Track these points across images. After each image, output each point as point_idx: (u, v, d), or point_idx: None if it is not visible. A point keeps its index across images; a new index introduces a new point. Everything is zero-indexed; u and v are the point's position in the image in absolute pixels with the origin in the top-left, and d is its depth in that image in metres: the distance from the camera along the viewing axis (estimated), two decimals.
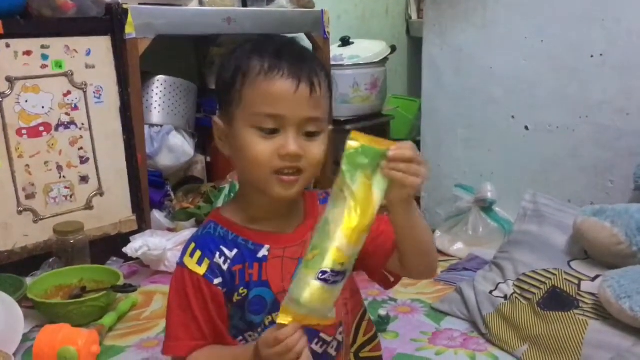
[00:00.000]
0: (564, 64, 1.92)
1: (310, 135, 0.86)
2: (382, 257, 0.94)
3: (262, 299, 0.91)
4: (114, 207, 2.03)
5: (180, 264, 0.90)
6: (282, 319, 0.77)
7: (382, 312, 1.59)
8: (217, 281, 0.88)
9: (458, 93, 2.20)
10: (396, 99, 3.48)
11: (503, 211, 2.08)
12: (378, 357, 1.09)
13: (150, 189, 2.17)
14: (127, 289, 1.66)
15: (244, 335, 0.93)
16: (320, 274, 0.75)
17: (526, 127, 2.04)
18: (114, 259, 1.97)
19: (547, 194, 1.89)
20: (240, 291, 0.89)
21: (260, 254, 0.90)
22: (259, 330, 0.92)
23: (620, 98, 1.82)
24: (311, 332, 0.92)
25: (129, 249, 1.88)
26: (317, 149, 0.87)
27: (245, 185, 0.94)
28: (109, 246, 1.98)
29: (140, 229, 2.06)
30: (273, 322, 0.90)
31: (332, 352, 0.96)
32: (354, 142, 0.76)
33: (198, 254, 0.89)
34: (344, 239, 0.75)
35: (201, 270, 0.88)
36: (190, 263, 0.88)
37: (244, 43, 0.91)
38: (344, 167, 0.76)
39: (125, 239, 1.96)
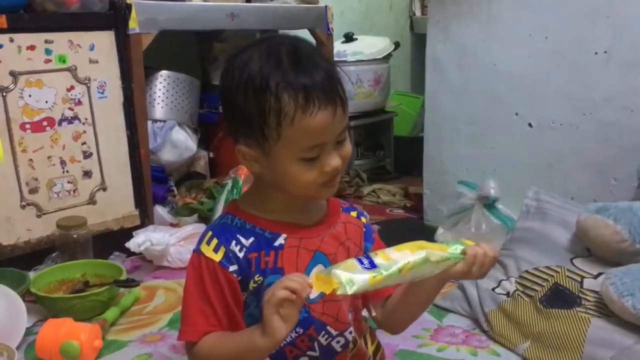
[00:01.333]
0: (568, 61, 1.91)
1: (340, 142, 0.89)
2: (377, 298, 1.01)
3: None
4: (117, 202, 2.03)
5: (197, 251, 0.91)
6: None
7: None
8: (232, 268, 0.89)
9: (461, 90, 2.19)
10: (399, 96, 3.48)
11: (506, 208, 2.06)
12: None
13: (153, 184, 2.17)
14: (130, 283, 1.67)
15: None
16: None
17: (530, 124, 2.03)
18: (117, 253, 1.97)
19: (550, 191, 1.87)
20: (256, 278, 0.90)
21: (276, 242, 0.92)
22: None
23: (625, 95, 1.81)
24: (321, 326, 0.93)
25: (131, 244, 1.89)
26: (347, 147, 0.90)
27: (262, 182, 0.94)
28: (111, 241, 1.98)
29: (142, 224, 2.07)
30: None
31: (337, 347, 0.96)
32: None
33: (214, 241, 0.90)
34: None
35: (217, 257, 0.89)
36: (207, 250, 0.90)
37: (245, 57, 0.86)
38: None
39: (127, 234, 1.97)
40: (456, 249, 0.87)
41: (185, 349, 0.93)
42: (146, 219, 2.09)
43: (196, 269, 0.90)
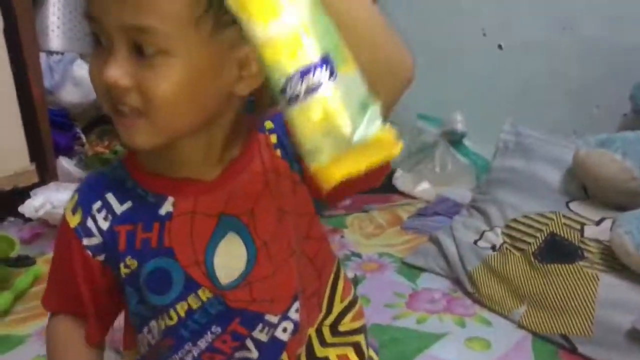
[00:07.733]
0: None
1: (145, 56, 0.59)
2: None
3: (166, 274, 0.71)
4: (7, 156, 1.78)
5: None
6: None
7: (349, 273, 1.38)
8: (86, 242, 0.71)
9: (420, 4, 2.00)
10: None
11: (474, 145, 1.96)
12: (361, 327, 0.86)
13: (54, 131, 1.93)
14: (23, 262, 1.43)
15: (149, 325, 0.75)
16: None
17: (499, 46, 1.93)
18: (11, 219, 1.78)
19: (524, 121, 1.72)
20: (128, 262, 0.71)
21: (162, 210, 0.70)
22: (167, 316, 0.72)
23: (610, 4, 1.68)
24: (253, 318, 0.73)
25: (26, 208, 1.64)
26: (159, 80, 0.59)
27: None
28: (3, 205, 1.76)
29: (42, 182, 1.83)
30: (190, 311, 0.72)
31: (284, 337, 0.74)
32: None
33: (75, 198, 0.73)
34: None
35: (73, 221, 0.72)
36: (67, 209, 0.74)
37: None
38: None
39: (24, 194, 1.73)
40: None
41: None
42: (47, 175, 1.86)
43: (58, 229, 0.77)
